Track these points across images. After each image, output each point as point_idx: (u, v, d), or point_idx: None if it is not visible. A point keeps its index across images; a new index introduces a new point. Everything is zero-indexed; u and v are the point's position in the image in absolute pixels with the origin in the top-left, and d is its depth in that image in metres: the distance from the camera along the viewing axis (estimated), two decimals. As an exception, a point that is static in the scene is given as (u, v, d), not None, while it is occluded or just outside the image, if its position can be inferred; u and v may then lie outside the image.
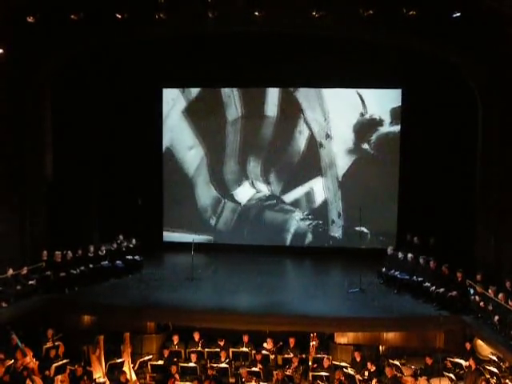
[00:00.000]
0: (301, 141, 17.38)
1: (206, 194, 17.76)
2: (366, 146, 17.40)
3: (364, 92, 17.28)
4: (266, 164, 17.58)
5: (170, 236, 18.03)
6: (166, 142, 17.67)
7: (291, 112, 17.37)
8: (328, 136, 17.20)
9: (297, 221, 17.63)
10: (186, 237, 17.41)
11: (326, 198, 17.57)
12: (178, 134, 17.60)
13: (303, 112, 17.24)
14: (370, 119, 17.32)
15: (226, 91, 17.34)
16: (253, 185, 17.62)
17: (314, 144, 17.37)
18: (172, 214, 17.85)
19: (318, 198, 17.58)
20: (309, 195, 17.61)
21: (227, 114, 17.42)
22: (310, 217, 17.60)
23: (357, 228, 16.19)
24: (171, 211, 17.83)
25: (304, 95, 17.22)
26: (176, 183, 17.78)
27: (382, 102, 17.32)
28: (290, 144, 17.42)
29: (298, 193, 17.61)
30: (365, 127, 17.36)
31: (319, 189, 17.52)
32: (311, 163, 17.48)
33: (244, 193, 17.67)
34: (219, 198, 17.74)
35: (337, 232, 17.57)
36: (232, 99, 17.25)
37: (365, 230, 17.08)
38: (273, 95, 17.30)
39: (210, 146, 17.64)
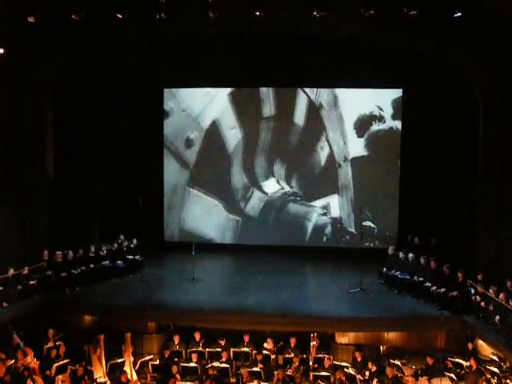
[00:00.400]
0: (322, 156, 17.78)
1: (238, 176, 18.14)
2: (366, 145, 17.53)
3: (364, 91, 17.34)
4: (289, 169, 17.98)
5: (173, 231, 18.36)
6: (212, 117, 17.94)
7: (316, 127, 17.71)
8: (346, 159, 17.62)
9: (318, 214, 17.93)
10: (218, 211, 18.09)
11: (341, 216, 17.86)
12: (223, 112, 17.93)
13: (326, 130, 17.62)
14: (370, 117, 17.42)
15: (263, 89, 17.68)
16: (278, 182, 18.08)
17: (333, 162, 17.74)
18: (210, 182, 18.25)
19: (334, 213, 17.90)
20: (325, 208, 17.92)
21: (263, 111, 17.79)
22: (328, 215, 17.96)
23: (364, 223, 16.58)
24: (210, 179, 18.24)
25: (327, 115, 17.56)
26: (217, 155, 18.08)
27: (383, 102, 17.34)
28: (312, 156, 17.81)
29: (315, 203, 17.95)
30: (365, 126, 17.48)
31: (335, 205, 17.89)
32: (330, 179, 17.83)
33: (270, 186, 18.15)
34: (249, 185, 18.11)
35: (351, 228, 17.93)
36: (268, 98, 17.66)
37: (372, 224, 17.39)
38: (302, 105, 17.59)
39: (246, 135, 17.99)
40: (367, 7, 12.74)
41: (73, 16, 13.19)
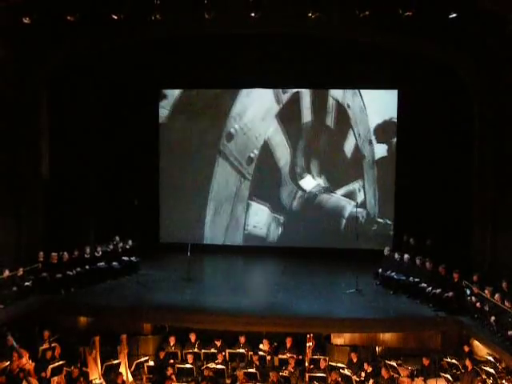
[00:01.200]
0: (358, 197, 17.89)
1: (300, 155, 18.21)
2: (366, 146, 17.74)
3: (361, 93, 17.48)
4: (332, 190, 18.15)
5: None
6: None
7: (357, 169, 17.89)
8: (374, 215, 17.88)
9: (353, 206, 17.93)
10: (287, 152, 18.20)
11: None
12: (303, 91, 18.02)
13: (364, 180, 17.84)
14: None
15: (330, 99, 17.80)
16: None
17: (364, 210, 17.95)
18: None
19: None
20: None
21: (327, 119, 17.97)
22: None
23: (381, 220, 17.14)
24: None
25: (367, 169, 17.80)
26: (294, 122, 18.16)
27: (378, 103, 17.43)
28: (350, 192, 18.02)
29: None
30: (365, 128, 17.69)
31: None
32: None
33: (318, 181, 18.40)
34: (303, 167, 18.23)
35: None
36: (333, 111, 17.83)
37: (388, 221, 17.59)
38: (351, 143, 17.84)
39: (312, 123, 18.08)
40: (362, 8, 12.73)
41: (68, 17, 13.15)
